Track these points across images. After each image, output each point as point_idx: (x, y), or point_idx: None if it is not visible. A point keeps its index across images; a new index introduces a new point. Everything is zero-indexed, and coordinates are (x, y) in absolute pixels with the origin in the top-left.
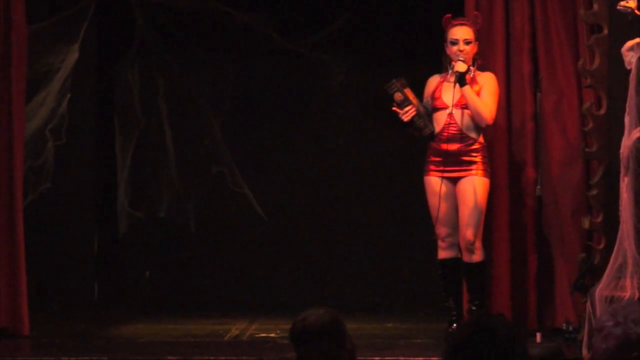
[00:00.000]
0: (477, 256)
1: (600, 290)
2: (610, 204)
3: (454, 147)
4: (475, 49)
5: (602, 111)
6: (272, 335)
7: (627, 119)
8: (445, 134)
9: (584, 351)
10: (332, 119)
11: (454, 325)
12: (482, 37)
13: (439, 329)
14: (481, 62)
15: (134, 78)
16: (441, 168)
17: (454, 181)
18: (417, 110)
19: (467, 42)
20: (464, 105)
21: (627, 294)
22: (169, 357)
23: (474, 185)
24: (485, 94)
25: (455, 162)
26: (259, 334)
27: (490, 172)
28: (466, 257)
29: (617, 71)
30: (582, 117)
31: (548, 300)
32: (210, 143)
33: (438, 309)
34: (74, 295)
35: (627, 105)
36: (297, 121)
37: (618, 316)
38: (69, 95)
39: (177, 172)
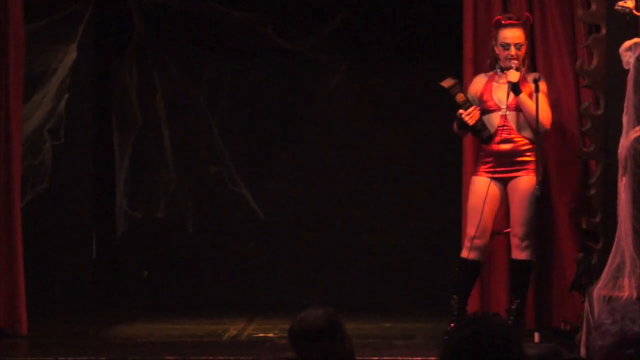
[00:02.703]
0: (526, 254)
1: (598, 290)
2: (608, 204)
3: (506, 147)
4: (525, 50)
5: (600, 111)
6: (270, 335)
7: (625, 119)
8: (499, 136)
9: (582, 350)
10: (330, 119)
11: (450, 325)
12: (479, 36)
13: (437, 329)
14: (528, 61)
15: (131, 78)
16: (492, 170)
17: (505, 182)
18: (480, 117)
19: (519, 46)
20: (516, 107)
21: (625, 294)
22: (167, 357)
23: (530, 184)
24: (540, 101)
25: (508, 162)
26: (257, 333)
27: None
28: (515, 254)
29: (615, 71)
30: (580, 117)
31: (546, 300)
32: (208, 143)
33: (436, 309)
34: (71, 295)
35: (625, 105)
36: (294, 121)
37: (616, 314)
38: (66, 95)
39: (174, 172)
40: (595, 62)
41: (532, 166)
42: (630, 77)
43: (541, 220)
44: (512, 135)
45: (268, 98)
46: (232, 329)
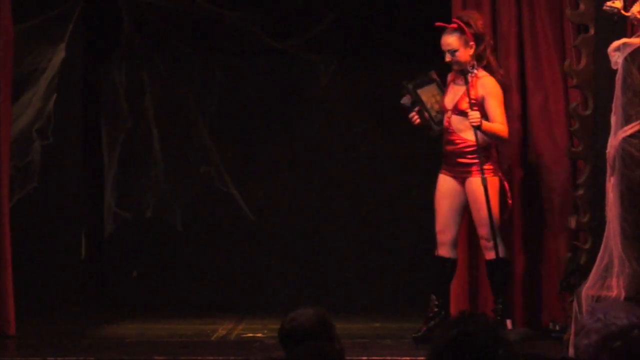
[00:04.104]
0: (495, 253)
1: (587, 289)
2: (597, 204)
3: (450, 148)
4: (468, 53)
5: (589, 111)
6: (260, 335)
7: (613, 119)
8: (444, 136)
9: (571, 350)
10: (321, 118)
11: (431, 323)
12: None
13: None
14: (489, 61)
15: (120, 78)
16: (446, 167)
17: (462, 182)
18: (422, 113)
19: (452, 52)
20: (460, 110)
21: (614, 294)
22: (156, 357)
23: (477, 185)
24: (493, 108)
25: (454, 163)
26: (246, 333)
27: (497, 169)
28: (486, 255)
29: (603, 71)
30: (568, 117)
31: (535, 300)
32: (198, 143)
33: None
34: (60, 295)
35: (614, 105)
36: (285, 121)
37: (597, 314)
38: (55, 95)
39: (164, 172)
40: (583, 62)
41: (476, 168)
42: (619, 77)
43: (530, 220)
44: (454, 137)
45: (258, 98)
46: (221, 328)
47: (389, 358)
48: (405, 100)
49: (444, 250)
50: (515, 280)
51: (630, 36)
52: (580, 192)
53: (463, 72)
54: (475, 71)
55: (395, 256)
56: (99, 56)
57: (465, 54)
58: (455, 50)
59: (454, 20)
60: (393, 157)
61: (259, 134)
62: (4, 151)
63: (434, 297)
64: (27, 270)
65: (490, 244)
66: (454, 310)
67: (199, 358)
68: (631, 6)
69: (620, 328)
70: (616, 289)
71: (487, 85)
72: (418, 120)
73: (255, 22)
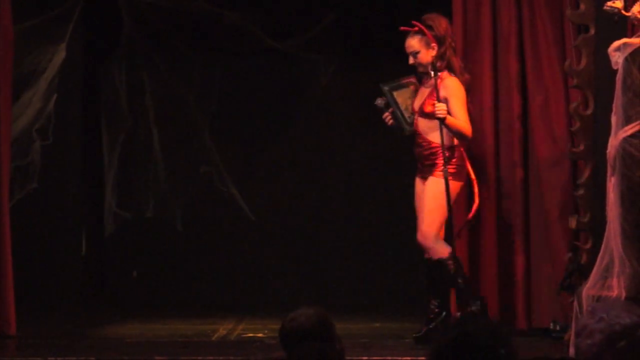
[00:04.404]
0: (430, 254)
1: (587, 289)
2: (597, 204)
3: (417, 150)
4: (430, 55)
5: (589, 111)
6: (260, 335)
7: (613, 119)
8: (415, 138)
9: (571, 350)
10: (321, 119)
11: (431, 324)
12: (469, 36)
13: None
14: (451, 63)
15: (121, 78)
16: (418, 170)
17: (425, 181)
18: (395, 114)
19: (415, 54)
20: (424, 112)
21: (614, 294)
22: (157, 357)
23: (430, 186)
24: (455, 108)
25: (421, 165)
26: (246, 333)
27: (454, 173)
28: (425, 254)
29: (604, 71)
30: (569, 117)
31: (535, 299)
32: (198, 143)
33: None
34: (61, 295)
35: (614, 105)
36: (285, 121)
37: (598, 314)
38: (55, 95)
39: (164, 172)
40: (584, 62)
41: (438, 169)
42: (619, 78)
43: (530, 220)
44: (420, 139)
45: (258, 98)
46: (222, 328)
47: (389, 358)
48: (380, 101)
49: (425, 252)
50: (516, 280)
51: (630, 36)
52: (581, 192)
53: (428, 75)
54: (439, 73)
55: (395, 256)
56: (99, 56)
57: (427, 55)
58: (417, 52)
59: (415, 23)
60: (393, 157)
61: (259, 134)
62: (4, 151)
63: (431, 299)
64: (27, 270)
65: (427, 245)
66: (454, 310)
67: (200, 358)
68: (632, 6)
69: (624, 327)
70: (617, 289)
71: (449, 86)
72: (391, 121)
73: (255, 22)
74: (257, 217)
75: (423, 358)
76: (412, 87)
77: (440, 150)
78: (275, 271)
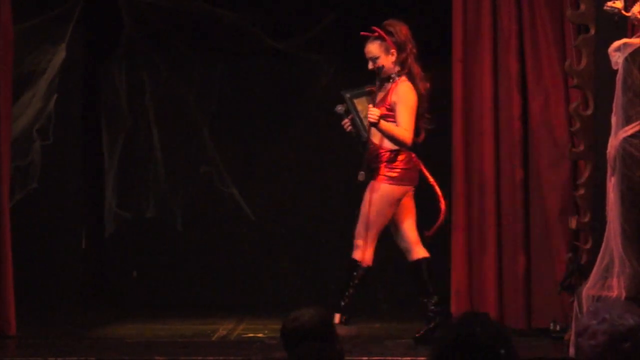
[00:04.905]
0: (353, 253)
1: (587, 289)
2: (597, 204)
3: (369, 154)
4: (389, 60)
5: (589, 111)
6: (260, 335)
7: (613, 119)
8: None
9: (571, 350)
10: (321, 119)
11: (431, 323)
12: (469, 36)
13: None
14: (411, 69)
15: (121, 78)
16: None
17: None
18: (354, 121)
19: (374, 60)
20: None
21: (614, 294)
22: (157, 357)
23: (371, 189)
24: (399, 114)
25: (372, 168)
26: (246, 334)
27: (397, 177)
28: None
29: (604, 71)
30: (569, 117)
31: (535, 300)
32: (198, 143)
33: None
34: (61, 296)
35: (614, 105)
36: (285, 121)
37: (600, 314)
38: (55, 95)
39: (164, 172)
40: (584, 62)
41: (379, 172)
42: (619, 78)
43: (530, 220)
44: (370, 144)
45: (258, 98)
46: (222, 329)
47: (389, 358)
48: (340, 108)
49: (408, 255)
50: (517, 280)
51: (630, 36)
52: (581, 192)
53: (386, 80)
54: (397, 78)
55: (396, 256)
56: (99, 56)
57: (386, 61)
58: (377, 58)
59: (374, 28)
60: None
61: (259, 133)
62: (4, 151)
63: (424, 299)
64: (27, 270)
65: (355, 242)
66: (454, 309)
67: (200, 358)
68: (632, 6)
69: (628, 329)
70: (617, 289)
71: (399, 92)
72: (349, 128)
73: (255, 22)
74: (257, 217)
75: (423, 358)
76: (378, 96)
77: (383, 155)
78: (275, 271)
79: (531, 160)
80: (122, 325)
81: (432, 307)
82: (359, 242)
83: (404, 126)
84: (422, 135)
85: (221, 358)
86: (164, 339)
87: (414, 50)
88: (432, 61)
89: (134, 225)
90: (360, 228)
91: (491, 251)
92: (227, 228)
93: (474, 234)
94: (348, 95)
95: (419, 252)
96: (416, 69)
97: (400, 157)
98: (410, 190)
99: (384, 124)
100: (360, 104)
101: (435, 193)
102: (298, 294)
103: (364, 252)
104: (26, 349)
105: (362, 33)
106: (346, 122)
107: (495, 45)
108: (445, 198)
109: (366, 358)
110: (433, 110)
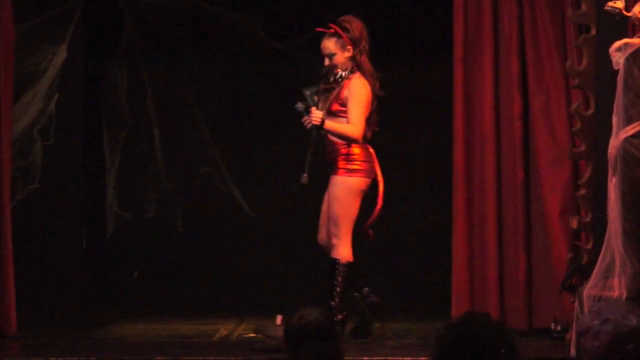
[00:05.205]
0: (334, 253)
1: (588, 289)
2: (598, 204)
3: (326, 149)
4: (345, 56)
5: (590, 111)
6: (261, 335)
7: (614, 119)
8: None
9: (572, 350)
10: None
11: (364, 316)
12: (470, 37)
13: (427, 329)
14: (363, 66)
15: (121, 78)
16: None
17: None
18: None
19: (331, 56)
20: (331, 111)
21: (615, 294)
22: (158, 358)
23: (332, 185)
24: (350, 109)
25: (328, 163)
26: (247, 334)
27: (356, 169)
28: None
29: (605, 71)
30: (570, 117)
31: (536, 300)
32: (198, 143)
33: (427, 310)
34: (62, 296)
35: (615, 105)
36: (285, 121)
37: (603, 314)
38: (56, 95)
39: (165, 172)
40: (585, 62)
41: (337, 166)
42: (620, 78)
43: (531, 220)
44: (327, 140)
45: (258, 98)
46: (223, 329)
47: (390, 358)
48: (300, 105)
49: (326, 251)
50: (518, 280)
51: (631, 36)
52: (582, 192)
53: (342, 76)
54: (350, 74)
55: (397, 256)
56: (100, 56)
57: (342, 57)
58: (333, 54)
59: (331, 25)
60: (395, 157)
61: (259, 133)
62: (5, 152)
63: (355, 294)
64: (28, 270)
65: (332, 242)
66: (455, 309)
67: (200, 358)
68: (632, 6)
69: (632, 329)
70: (618, 289)
71: (352, 87)
72: (310, 125)
73: (255, 22)
74: (257, 217)
75: (424, 358)
76: (333, 92)
77: (340, 149)
78: (276, 271)
79: (532, 160)
80: (122, 325)
81: (339, 315)
82: (334, 241)
83: (353, 121)
84: (369, 134)
85: (222, 358)
86: (165, 339)
87: (367, 48)
88: (432, 61)
89: (135, 226)
90: (331, 227)
91: (492, 251)
92: (228, 228)
93: (474, 234)
94: (308, 92)
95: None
96: (368, 67)
97: (357, 151)
98: (369, 182)
99: (328, 124)
100: (320, 100)
101: (377, 189)
102: (298, 294)
103: (341, 249)
104: (27, 349)
105: (317, 29)
106: (306, 119)
107: (496, 45)
108: (384, 199)
109: (367, 358)
110: (434, 110)
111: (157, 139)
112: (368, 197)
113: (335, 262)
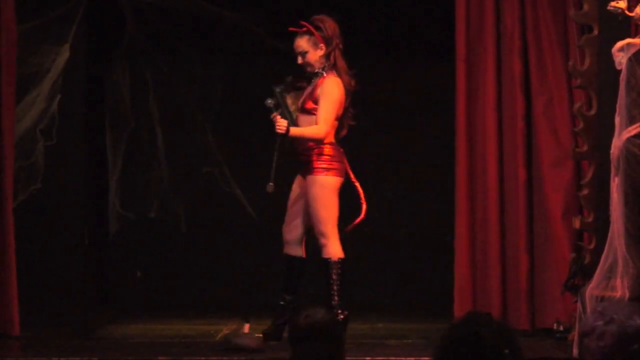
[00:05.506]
0: (322, 252)
1: (591, 290)
2: (601, 204)
3: (297, 148)
4: (318, 55)
5: (593, 111)
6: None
7: (617, 119)
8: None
9: (575, 350)
10: None
11: (279, 319)
12: (472, 37)
13: (430, 329)
14: (337, 64)
15: (124, 78)
16: (299, 167)
17: (305, 180)
18: (284, 115)
19: (303, 54)
20: (305, 109)
21: (618, 294)
22: (160, 358)
23: (311, 185)
24: (320, 107)
25: (300, 161)
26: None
27: (331, 168)
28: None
29: (607, 71)
30: (572, 117)
31: (539, 300)
32: (201, 143)
33: (429, 310)
34: (64, 296)
35: (618, 105)
36: None
37: (607, 314)
38: (59, 96)
39: (167, 173)
40: (587, 62)
41: (313, 165)
42: (623, 78)
43: (534, 220)
44: (298, 140)
45: (260, 98)
46: (225, 329)
47: (392, 358)
48: (270, 102)
49: (289, 249)
50: (520, 280)
51: (634, 36)
52: (585, 192)
53: (314, 74)
54: (324, 73)
55: (399, 257)
56: (102, 57)
57: (315, 55)
58: (306, 52)
59: (303, 23)
60: (397, 157)
61: (261, 133)
62: (8, 152)
63: (284, 294)
64: (30, 271)
65: (320, 241)
66: (458, 309)
67: (203, 358)
68: (635, 6)
69: (637, 330)
70: (620, 289)
71: (324, 86)
72: (279, 130)
73: (256, 22)
74: (259, 217)
75: (427, 358)
76: (306, 90)
77: (313, 149)
78: (279, 271)
79: (534, 160)
80: (125, 325)
81: (283, 304)
82: (322, 241)
83: (321, 119)
84: (345, 131)
85: (224, 358)
86: (167, 339)
87: (340, 46)
88: (435, 61)
89: (137, 226)
90: (317, 227)
91: (494, 251)
92: (230, 228)
93: (477, 234)
94: (278, 89)
95: (301, 250)
96: (342, 64)
97: (328, 151)
98: (343, 181)
99: (293, 130)
100: (290, 98)
101: (357, 190)
102: (301, 294)
103: (332, 248)
104: (29, 349)
105: (290, 28)
106: (275, 116)
107: (499, 46)
108: (366, 199)
109: (369, 358)
110: (436, 110)
111: (160, 139)
112: (348, 200)
113: (327, 261)
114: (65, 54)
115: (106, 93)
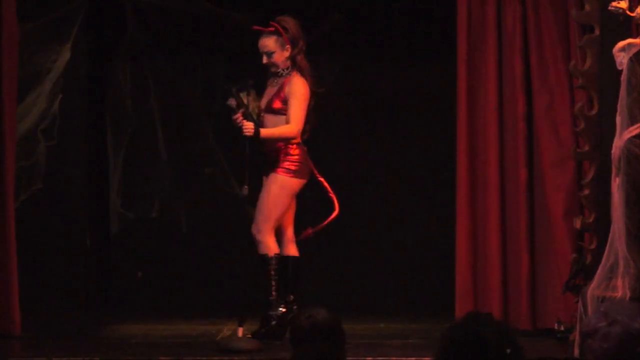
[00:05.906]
0: (260, 249)
1: (592, 290)
2: (602, 204)
3: (264, 148)
4: (284, 56)
5: (594, 112)
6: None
7: (618, 120)
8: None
9: (576, 351)
10: (324, 119)
11: (272, 322)
12: (473, 37)
13: (432, 329)
14: (301, 65)
15: (125, 78)
16: (263, 167)
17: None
18: (246, 116)
19: (269, 54)
20: (272, 109)
21: (619, 294)
22: (161, 358)
23: (272, 182)
24: (290, 107)
25: (266, 161)
26: (250, 334)
27: (296, 170)
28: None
29: (608, 72)
30: (573, 117)
31: (540, 300)
32: (202, 143)
33: (431, 310)
34: (65, 296)
35: (619, 105)
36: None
37: (611, 315)
38: (60, 96)
39: (168, 173)
40: (589, 62)
41: (277, 164)
42: (624, 78)
43: (535, 220)
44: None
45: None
46: (226, 329)
47: (394, 358)
48: (232, 102)
49: (258, 248)
50: (521, 280)
51: (635, 37)
52: (586, 192)
53: (278, 75)
54: (289, 73)
55: (400, 257)
56: (103, 57)
57: (281, 56)
58: (272, 53)
59: (272, 23)
60: (398, 158)
61: None
62: (9, 152)
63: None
64: (32, 271)
65: (258, 239)
66: (459, 309)
67: (204, 358)
68: (636, 6)
69: None
70: (621, 289)
71: (292, 85)
72: (241, 123)
73: (259, 23)
74: None
75: (428, 358)
76: (270, 91)
77: (281, 149)
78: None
79: (535, 160)
80: (126, 325)
81: (281, 308)
82: (259, 237)
83: (294, 119)
84: (307, 134)
85: (225, 358)
86: (169, 339)
87: (304, 47)
88: (436, 61)
89: (139, 226)
90: (259, 222)
91: (495, 251)
92: (232, 228)
93: (478, 234)
94: (234, 89)
95: (291, 249)
96: (305, 65)
97: (296, 151)
98: (305, 183)
99: (263, 132)
100: (245, 97)
101: (326, 190)
102: (301, 294)
103: (268, 244)
104: (31, 349)
105: (254, 27)
106: (238, 117)
107: (500, 46)
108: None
109: (371, 358)
110: (437, 110)
111: (161, 140)
112: (316, 200)
113: (265, 257)
114: (66, 54)
115: (107, 93)
